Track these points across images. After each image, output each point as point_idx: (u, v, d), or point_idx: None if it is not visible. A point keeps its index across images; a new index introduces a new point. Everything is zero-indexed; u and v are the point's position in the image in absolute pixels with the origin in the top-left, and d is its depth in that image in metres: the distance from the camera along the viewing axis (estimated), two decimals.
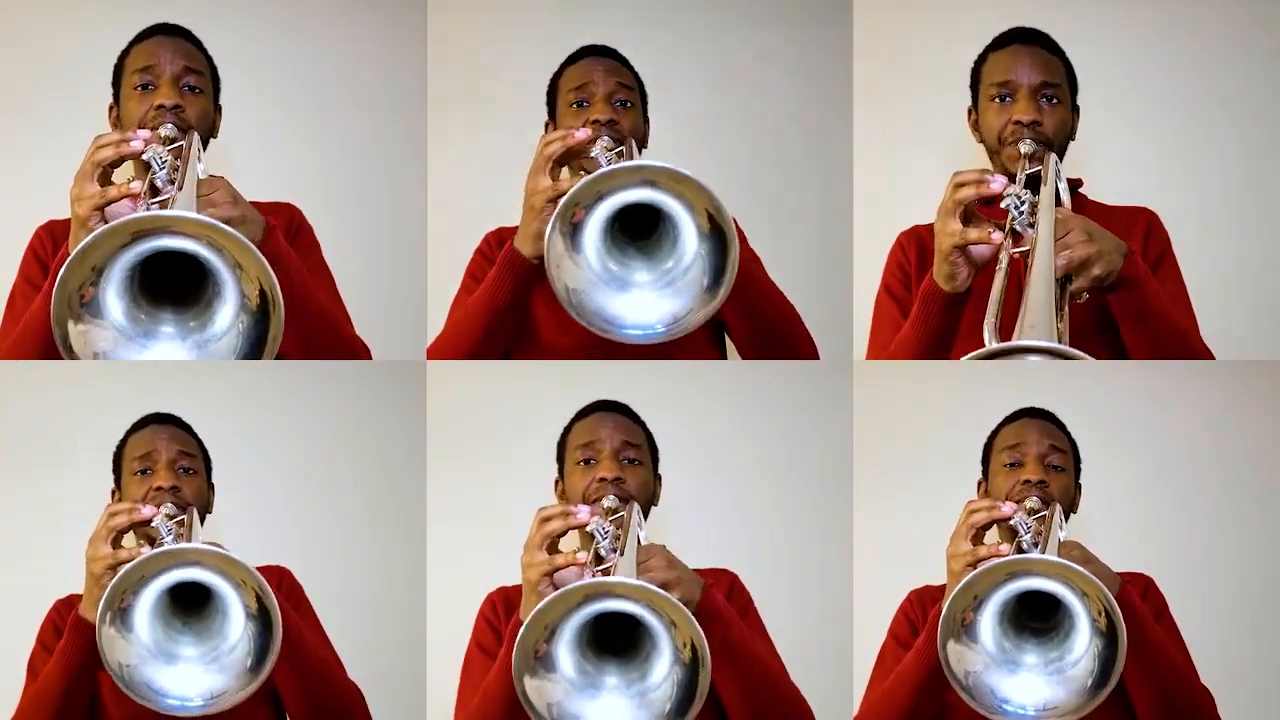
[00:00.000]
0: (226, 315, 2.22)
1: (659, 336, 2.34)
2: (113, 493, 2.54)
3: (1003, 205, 2.30)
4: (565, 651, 2.29)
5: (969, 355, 2.21)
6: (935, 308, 2.34)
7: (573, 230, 2.29)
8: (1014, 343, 2.19)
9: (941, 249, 2.30)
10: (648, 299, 2.35)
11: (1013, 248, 2.28)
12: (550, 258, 2.28)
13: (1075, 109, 2.50)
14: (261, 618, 2.29)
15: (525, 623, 2.26)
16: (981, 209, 2.31)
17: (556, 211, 2.27)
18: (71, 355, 2.18)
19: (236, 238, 2.14)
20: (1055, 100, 2.45)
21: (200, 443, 2.56)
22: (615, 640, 2.34)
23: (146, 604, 2.29)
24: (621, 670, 2.34)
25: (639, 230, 2.36)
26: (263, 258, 2.15)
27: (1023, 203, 2.30)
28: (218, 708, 2.31)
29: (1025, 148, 2.41)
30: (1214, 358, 2.45)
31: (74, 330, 2.18)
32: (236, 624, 2.31)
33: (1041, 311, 2.21)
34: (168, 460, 2.49)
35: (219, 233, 2.14)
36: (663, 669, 2.30)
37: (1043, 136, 2.43)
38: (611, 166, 2.28)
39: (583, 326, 2.35)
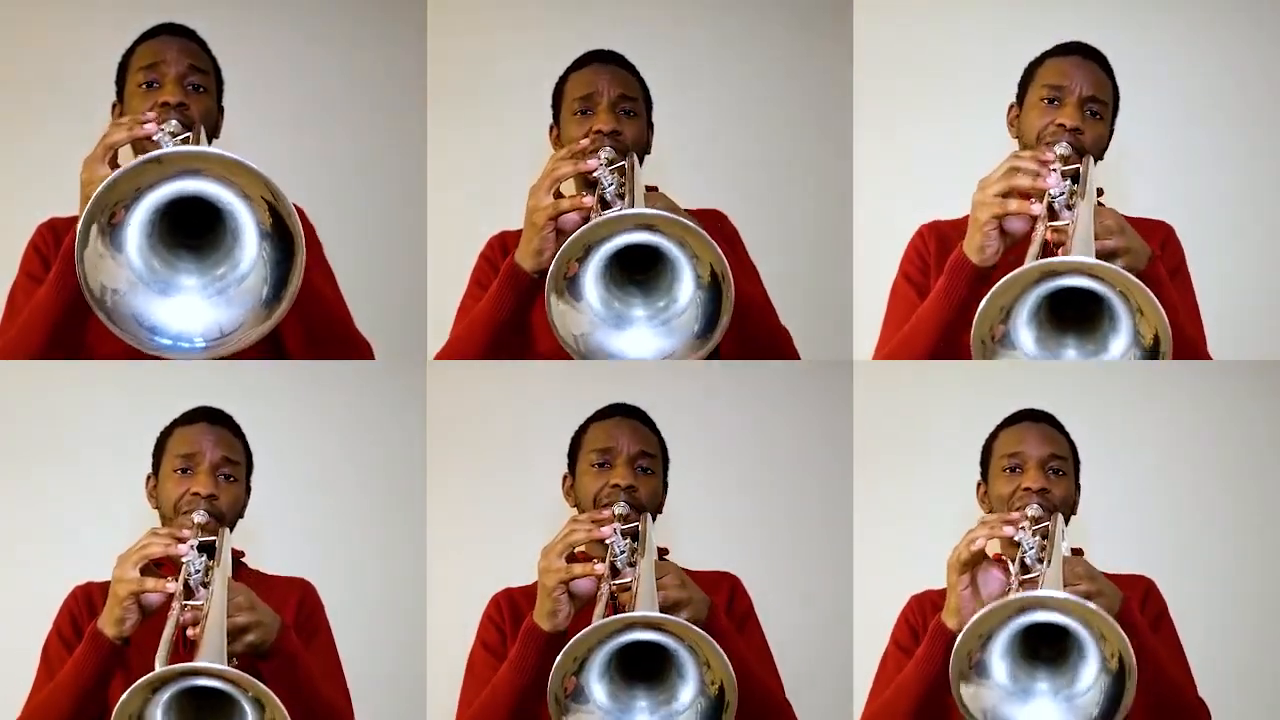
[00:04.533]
0: (249, 253, 2.14)
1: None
2: (148, 478, 2.50)
3: (1048, 183, 2.35)
4: (596, 682, 2.30)
5: (1005, 280, 2.24)
6: (961, 279, 2.37)
7: (568, 284, 2.34)
8: (1064, 259, 2.25)
9: (978, 220, 2.35)
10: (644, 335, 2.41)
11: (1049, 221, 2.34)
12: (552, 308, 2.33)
13: (1111, 131, 2.53)
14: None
15: (562, 651, 2.26)
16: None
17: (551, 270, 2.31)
18: (85, 284, 2.13)
19: (245, 166, 2.12)
20: (1099, 116, 2.49)
21: (247, 448, 2.52)
22: (643, 669, 2.33)
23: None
24: (650, 695, 2.34)
25: (639, 268, 2.40)
26: (268, 178, 2.12)
27: (1064, 188, 2.36)
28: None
29: (1062, 149, 2.43)
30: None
31: (92, 247, 2.09)
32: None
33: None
34: (211, 464, 2.44)
35: (230, 165, 2.11)
36: (689, 694, 2.30)
37: (1080, 145, 2.46)
38: (601, 217, 2.32)
39: None
